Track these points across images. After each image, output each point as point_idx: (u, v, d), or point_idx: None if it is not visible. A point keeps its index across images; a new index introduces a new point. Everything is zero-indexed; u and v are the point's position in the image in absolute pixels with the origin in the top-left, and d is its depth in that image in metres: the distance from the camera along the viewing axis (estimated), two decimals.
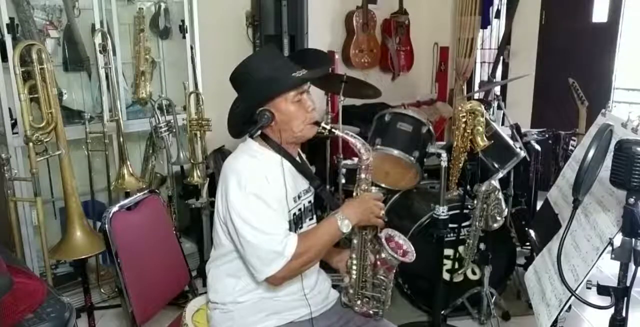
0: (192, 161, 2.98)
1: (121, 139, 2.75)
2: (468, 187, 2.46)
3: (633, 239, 1.28)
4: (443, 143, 2.69)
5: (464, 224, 2.53)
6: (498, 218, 2.39)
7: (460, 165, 2.30)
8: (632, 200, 1.25)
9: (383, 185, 2.73)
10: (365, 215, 1.57)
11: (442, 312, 2.57)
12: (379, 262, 1.64)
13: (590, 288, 1.39)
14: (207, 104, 2.99)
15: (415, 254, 1.65)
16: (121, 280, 1.72)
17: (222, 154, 3.39)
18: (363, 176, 1.62)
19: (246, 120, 1.57)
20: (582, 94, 3.30)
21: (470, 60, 4.89)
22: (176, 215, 3.22)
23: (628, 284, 1.33)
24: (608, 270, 2.76)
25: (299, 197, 1.65)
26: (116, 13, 2.93)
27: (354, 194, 1.64)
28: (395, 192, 2.92)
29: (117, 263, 1.72)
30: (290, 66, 1.58)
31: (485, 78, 5.08)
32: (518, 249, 2.85)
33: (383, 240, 1.62)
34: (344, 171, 3.12)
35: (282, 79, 1.54)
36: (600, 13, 4.39)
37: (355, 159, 2.67)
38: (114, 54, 2.81)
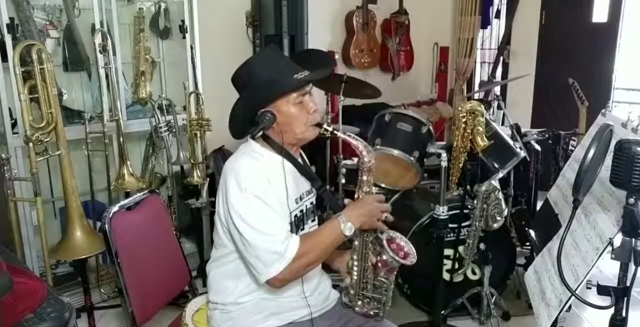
0: (192, 161, 2.98)
1: (121, 139, 2.75)
2: (468, 187, 2.46)
3: (633, 239, 1.28)
4: (443, 143, 2.69)
5: (464, 224, 2.53)
6: (498, 218, 2.39)
7: (460, 165, 2.30)
8: (632, 200, 1.26)
9: (383, 185, 2.73)
10: (368, 218, 1.56)
11: (442, 312, 2.57)
12: (380, 264, 1.64)
13: (590, 288, 1.39)
14: (207, 104, 2.99)
15: (416, 257, 1.64)
16: (121, 280, 1.72)
17: (222, 154, 3.39)
18: (365, 177, 1.61)
19: (248, 121, 1.56)
20: (582, 94, 3.29)
21: (470, 60, 4.89)
22: (176, 215, 3.22)
23: (628, 284, 1.33)
24: (608, 270, 2.75)
25: (301, 198, 1.65)
26: (116, 13, 2.92)
27: (356, 196, 1.63)
28: (395, 192, 2.91)
29: (117, 263, 1.72)
30: (292, 67, 1.57)
31: (485, 78, 5.08)
32: (518, 249, 2.85)
33: (384, 242, 1.61)
34: (344, 171, 3.12)
35: (283, 81, 1.53)
36: (600, 13, 4.39)
37: (355, 159, 2.66)
38: (114, 54, 2.81)
